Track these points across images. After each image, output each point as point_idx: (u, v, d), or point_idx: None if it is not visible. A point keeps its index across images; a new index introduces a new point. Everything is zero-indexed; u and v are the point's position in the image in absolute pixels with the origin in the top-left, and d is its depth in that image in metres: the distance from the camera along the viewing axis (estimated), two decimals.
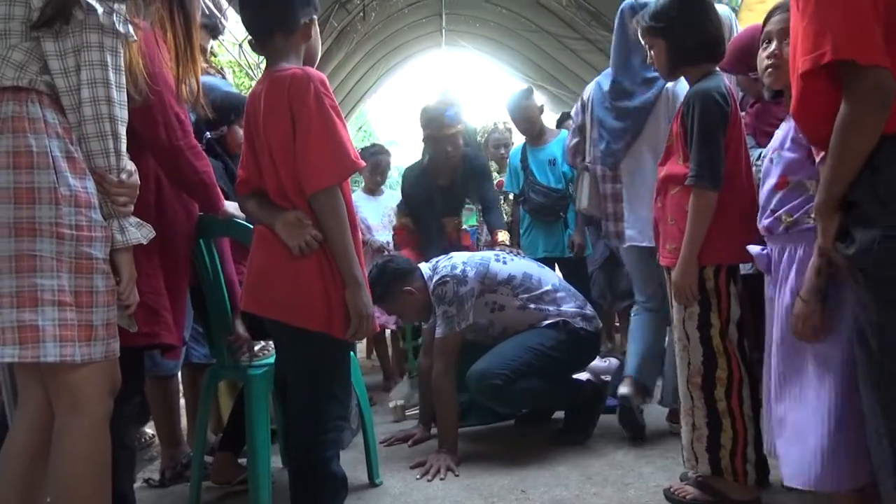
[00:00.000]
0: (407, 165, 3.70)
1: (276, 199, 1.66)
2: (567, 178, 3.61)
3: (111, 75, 1.32)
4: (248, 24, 1.74)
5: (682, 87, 2.42)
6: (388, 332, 4.13)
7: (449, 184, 3.38)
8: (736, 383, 1.89)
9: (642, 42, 2.09)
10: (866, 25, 1.22)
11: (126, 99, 1.37)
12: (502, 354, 2.52)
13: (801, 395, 1.58)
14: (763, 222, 1.68)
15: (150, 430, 2.89)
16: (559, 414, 2.86)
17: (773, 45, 1.64)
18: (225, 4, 5.78)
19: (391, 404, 3.25)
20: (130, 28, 1.37)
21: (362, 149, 4.46)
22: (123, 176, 1.37)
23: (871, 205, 1.26)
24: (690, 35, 1.95)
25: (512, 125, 4.31)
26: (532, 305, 2.63)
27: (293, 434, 1.74)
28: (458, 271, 2.56)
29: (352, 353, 2.42)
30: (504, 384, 2.44)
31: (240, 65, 7.49)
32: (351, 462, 2.50)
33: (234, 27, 6.66)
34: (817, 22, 1.24)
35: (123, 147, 1.37)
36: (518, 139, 4.29)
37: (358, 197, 4.26)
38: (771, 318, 1.71)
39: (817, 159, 1.52)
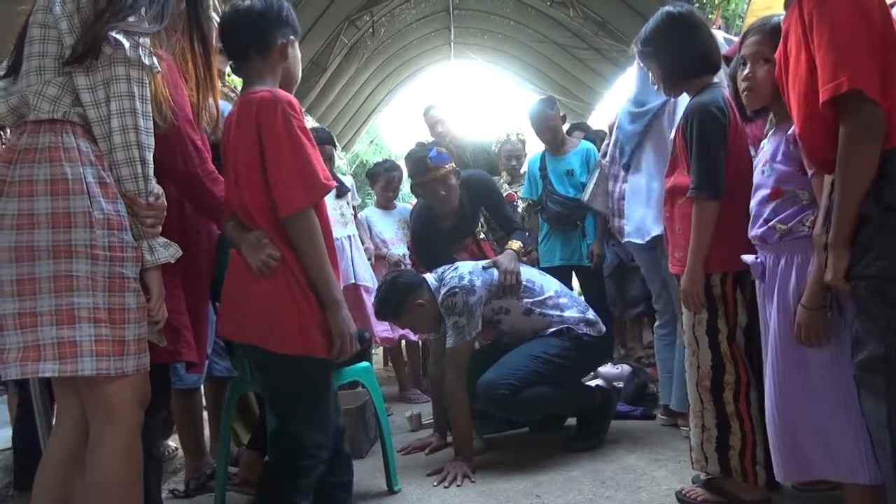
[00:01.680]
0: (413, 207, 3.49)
1: (244, 220, 1.65)
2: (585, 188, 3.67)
3: (138, 105, 1.41)
4: (225, 45, 1.75)
5: (683, 98, 2.52)
6: (403, 342, 4.19)
7: (455, 223, 3.16)
8: (743, 387, 1.94)
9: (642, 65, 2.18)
10: (871, 62, 1.33)
11: (152, 126, 1.45)
12: (508, 365, 2.58)
13: (816, 396, 1.62)
14: (756, 231, 1.74)
15: (172, 443, 2.97)
16: (571, 421, 2.90)
17: (748, 69, 1.70)
18: None
19: (407, 414, 3.31)
20: (155, 60, 1.45)
21: (375, 164, 4.53)
22: (151, 199, 1.45)
23: (883, 213, 1.33)
24: (679, 53, 2.04)
25: (525, 136, 4.35)
26: (537, 310, 2.68)
27: (271, 457, 1.72)
28: (465, 282, 2.61)
29: (369, 363, 2.50)
30: (511, 393, 2.50)
31: None
32: (370, 470, 2.57)
33: None
34: (833, 52, 1.34)
35: (151, 172, 1.45)
36: (531, 150, 4.34)
37: (371, 212, 4.34)
38: (765, 325, 1.76)
39: (809, 173, 1.58)
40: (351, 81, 8.74)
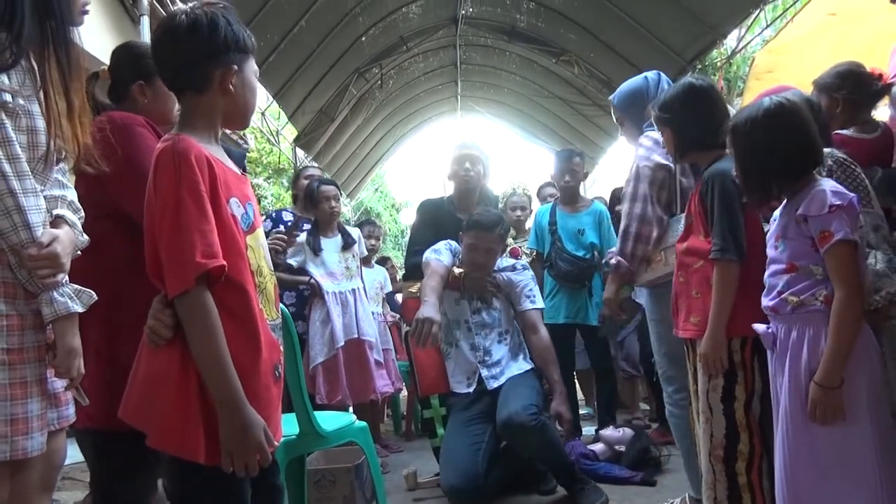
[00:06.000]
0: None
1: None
2: (594, 248, 3.64)
3: None
4: (164, 82, 1.48)
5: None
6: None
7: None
8: (757, 458, 1.87)
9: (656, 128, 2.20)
10: None
11: (24, 169, 1.24)
12: (518, 397, 2.72)
13: (825, 474, 1.57)
14: (769, 302, 1.71)
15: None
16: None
17: None
18: None
19: (404, 472, 3.21)
20: (8, 96, 1.23)
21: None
22: (33, 250, 1.24)
23: None
24: (694, 125, 2.05)
25: (531, 192, 4.35)
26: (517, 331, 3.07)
27: None
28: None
29: (365, 423, 2.42)
30: (537, 412, 2.64)
31: (262, 132, 7.73)
32: None
33: None
34: None
35: (34, 218, 1.25)
36: (535, 204, 4.33)
37: None
38: (775, 395, 1.72)
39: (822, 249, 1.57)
40: (358, 131, 8.87)
